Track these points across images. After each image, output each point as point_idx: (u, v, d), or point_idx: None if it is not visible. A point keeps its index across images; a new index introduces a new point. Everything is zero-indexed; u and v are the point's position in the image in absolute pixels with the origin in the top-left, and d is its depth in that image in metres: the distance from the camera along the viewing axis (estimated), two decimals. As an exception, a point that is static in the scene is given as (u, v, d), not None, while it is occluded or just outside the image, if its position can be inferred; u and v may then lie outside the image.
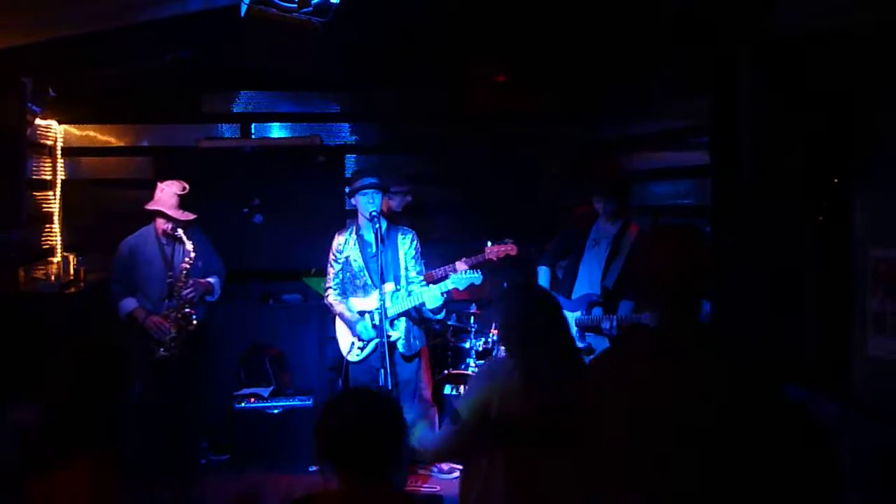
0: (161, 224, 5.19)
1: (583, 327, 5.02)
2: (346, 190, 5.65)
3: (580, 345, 5.02)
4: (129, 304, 5.17)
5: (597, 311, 5.00)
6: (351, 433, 2.25)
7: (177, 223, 5.14)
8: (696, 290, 2.27)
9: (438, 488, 5.45)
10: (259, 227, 6.38)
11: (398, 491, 2.36)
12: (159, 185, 5.20)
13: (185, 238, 5.12)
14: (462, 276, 4.97)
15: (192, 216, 5.18)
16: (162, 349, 5.08)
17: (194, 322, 5.17)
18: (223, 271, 5.52)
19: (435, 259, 5.62)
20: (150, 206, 5.17)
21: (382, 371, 4.65)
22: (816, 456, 2.19)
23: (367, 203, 4.85)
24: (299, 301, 6.60)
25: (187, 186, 5.21)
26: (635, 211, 6.06)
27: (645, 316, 4.83)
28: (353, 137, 7.17)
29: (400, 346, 4.95)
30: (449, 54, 6.23)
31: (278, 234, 6.34)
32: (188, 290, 5.14)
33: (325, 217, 6.29)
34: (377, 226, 4.82)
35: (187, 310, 5.14)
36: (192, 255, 5.13)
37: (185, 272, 5.14)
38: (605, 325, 4.89)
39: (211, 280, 5.36)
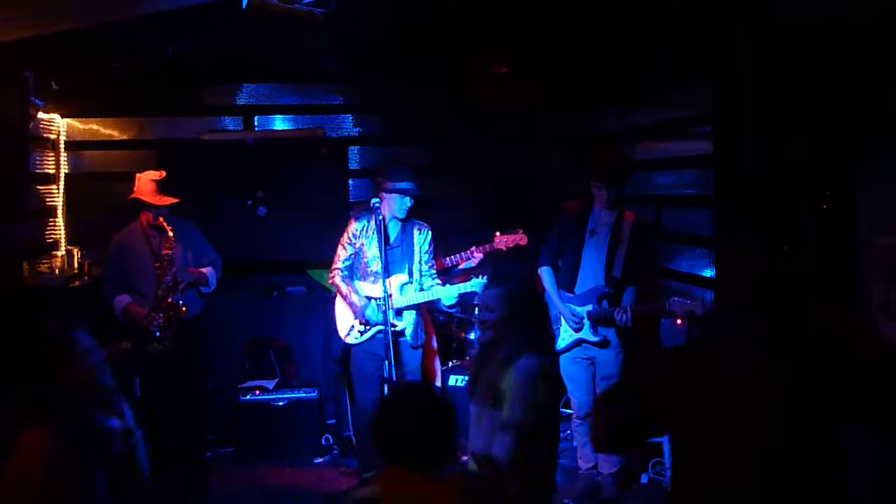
0: (145, 216, 5.16)
1: (596, 320, 4.94)
2: (370, 180, 5.60)
3: (595, 339, 4.96)
4: (123, 300, 5.12)
5: (606, 304, 4.94)
6: (411, 432, 2.37)
7: (155, 209, 5.07)
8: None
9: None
10: (262, 219, 6.39)
11: (449, 479, 2.46)
12: (136, 176, 5.18)
13: (165, 225, 5.03)
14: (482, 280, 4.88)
15: (171, 200, 5.10)
16: (156, 343, 4.97)
17: (183, 308, 5.05)
18: (219, 261, 5.45)
19: (437, 250, 5.61)
20: (129, 197, 5.15)
21: (387, 362, 4.66)
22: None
23: (400, 202, 4.87)
24: (304, 293, 6.60)
25: (164, 173, 5.16)
26: (638, 201, 6.06)
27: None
28: (357, 129, 7.17)
29: (408, 335, 4.96)
30: (451, 46, 6.22)
31: (282, 227, 6.34)
32: (169, 276, 5.04)
33: (328, 209, 6.32)
34: (402, 219, 4.92)
35: (171, 299, 5.02)
36: (172, 241, 5.03)
37: (167, 259, 5.05)
38: (620, 317, 4.82)
39: (204, 270, 5.30)
